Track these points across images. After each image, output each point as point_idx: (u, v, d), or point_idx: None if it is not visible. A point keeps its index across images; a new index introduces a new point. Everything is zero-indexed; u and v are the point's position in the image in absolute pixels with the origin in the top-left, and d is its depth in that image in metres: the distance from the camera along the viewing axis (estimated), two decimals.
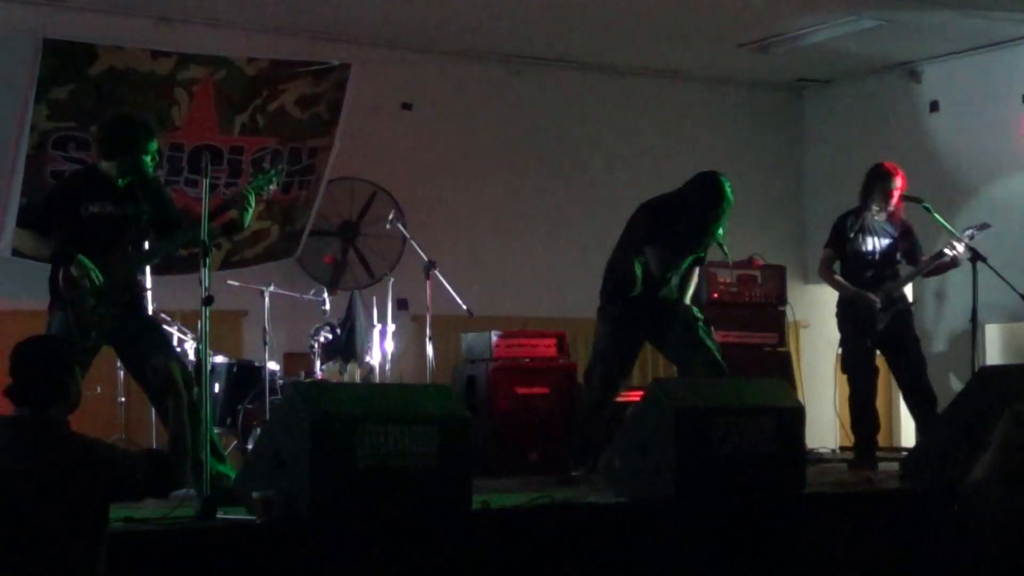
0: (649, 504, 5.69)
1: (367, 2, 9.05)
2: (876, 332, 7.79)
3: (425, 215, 9.77)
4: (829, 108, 11.56)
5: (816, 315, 10.21)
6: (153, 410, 6.73)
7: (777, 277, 9.34)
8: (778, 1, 9.21)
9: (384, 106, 9.94)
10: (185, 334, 7.74)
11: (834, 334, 8.05)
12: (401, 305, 9.29)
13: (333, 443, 4.96)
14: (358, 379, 8.12)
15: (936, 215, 7.90)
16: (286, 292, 8.48)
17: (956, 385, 8.66)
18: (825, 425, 9.46)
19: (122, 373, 7.60)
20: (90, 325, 5.76)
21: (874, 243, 7.88)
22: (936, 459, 6.52)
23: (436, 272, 8.10)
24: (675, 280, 7.07)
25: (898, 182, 7.81)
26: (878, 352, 7.94)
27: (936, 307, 10.39)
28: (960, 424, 6.46)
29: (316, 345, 8.13)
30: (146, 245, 6.06)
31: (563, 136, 10.70)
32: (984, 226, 7.84)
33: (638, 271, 6.96)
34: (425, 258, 8.15)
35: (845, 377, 8.03)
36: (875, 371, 7.95)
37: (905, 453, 7.64)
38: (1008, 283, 7.67)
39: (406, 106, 10.11)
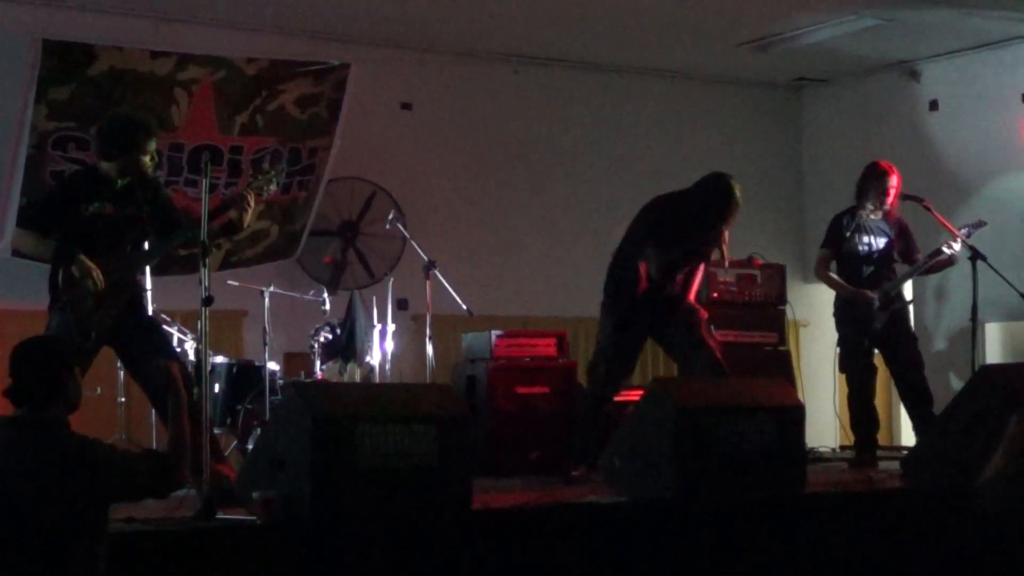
0: (649, 504, 5.69)
1: (367, 2, 9.05)
2: (874, 331, 7.79)
3: (425, 215, 9.77)
4: (829, 107, 11.57)
5: (816, 314, 10.21)
6: (153, 410, 6.72)
7: (777, 276, 9.34)
8: (777, 0, 9.21)
9: (384, 106, 9.94)
10: (185, 334, 7.74)
11: (834, 333, 8.05)
12: (401, 305, 9.30)
13: (333, 443, 4.96)
14: (358, 379, 8.12)
15: (936, 214, 7.90)
16: (286, 292, 8.48)
17: (956, 384, 8.67)
18: (825, 424, 9.45)
19: (122, 373, 7.60)
20: (90, 325, 5.76)
21: (870, 242, 7.88)
22: (936, 459, 6.52)
23: (436, 272, 8.10)
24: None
25: (893, 181, 7.81)
26: (876, 351, 7.94)
27: (936, 305, 10.39)
28: (960, 423, 6.46)
29: (316, 345, 8.13)
30: (146, 245, 6.06)
31: (563, 136, 10.70)
32: (980, 224, 7.84)
33: (641, 268, 6.94)
34: (425, 258, 8.15)
35: (844, 376, 8.04)
36: (874, 370, 7.95)
37: (905, 452, 7.63)
38: (1008, 281, 7.67)
39: (406, 106, 10.12)
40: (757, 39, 10.09)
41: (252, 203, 5.98)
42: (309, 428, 4.93)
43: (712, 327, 7.30)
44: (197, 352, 7.29)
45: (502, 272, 10.23)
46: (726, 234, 6.94)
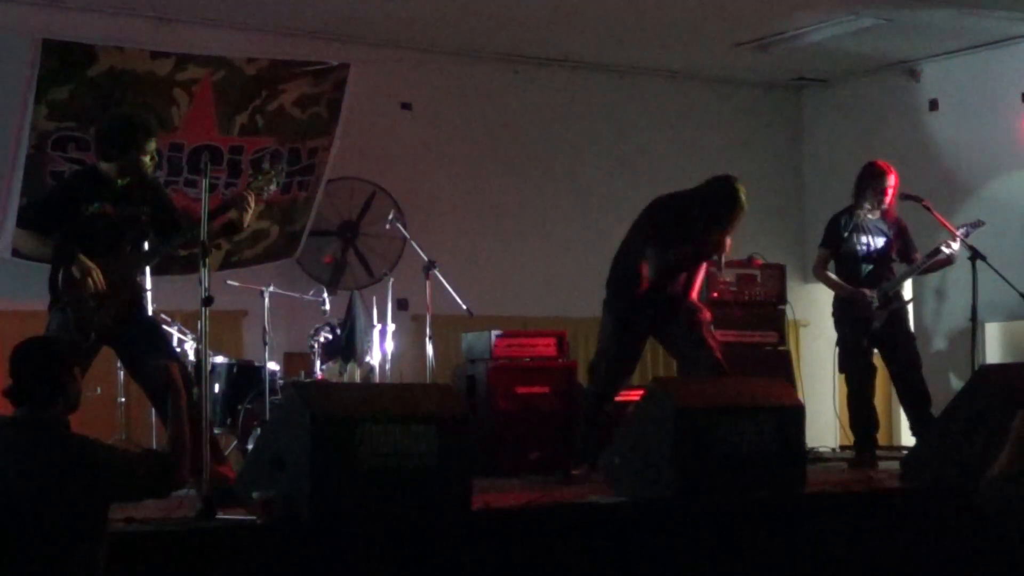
0: (649, 504, 5.69)
1: (367, 2, 9.05)
2: (873, 330, 7.79)
3: (425, 215, 9.77)
4: (828, 107, 11.57)
5: (816, 314, 10.22)
6: (153, 410, 6.72)
7: (777, 276, 9.34)
8: (777, 0, 9.21)
9: (384, 106, 9.94)
10: (185, 334, 7.74)
11: (834, 333, 8.05)
12: (401, 305, 9.29)
13: (333, 443, 4.96)
14: (358, 379, 8.12)
15: (936, 214, 7.90)
16: (286, 292, 8.48)
17: (956, 384, 8.67)
18: (825, 424, 9.46)
19: (122, 373, 7.59)
20: (90, 325, 5.76)
21: (868, 242, 7.87)
22: (936, 459, 6.52)
23: (436, 272, 8.10)
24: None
25: (891, 180, 7.81)
26: (876, 351, 7.94)
27: (936, 305, 10.39)
28: (960, 423, 6.46)
29: (316, 345, 8.12)
30: (146, 245, 6.06)
31: (563, 136, 10.71)
32: (978, 223, 7.84)
33: (643, 268, 6.93)
34: (425, 258, 8.15)
35: (844, 376, 8.04)
36: (873, 370, 7.95)
37: (905, 452, 7.63)
38: (1008, 282, 7.67)
39: (406, 106, 10.12)
40: (757, 39, 10.09)
41: (252, 203, 5.98)
42: (309, 428, 4.93)
43: (712, 327, 7.30)
44: (197, 352, 7.29)
45: (502, 272, 10.23)
46: (728, 241, 6.93)
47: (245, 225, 6.05)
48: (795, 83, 11.55)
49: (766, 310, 9.21)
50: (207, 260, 5.31)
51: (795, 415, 6.16)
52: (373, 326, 8.27)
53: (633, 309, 6.95)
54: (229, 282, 8.17)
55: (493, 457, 7.37)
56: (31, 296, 6.59)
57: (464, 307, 8.19)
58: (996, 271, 7.64)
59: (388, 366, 8.33)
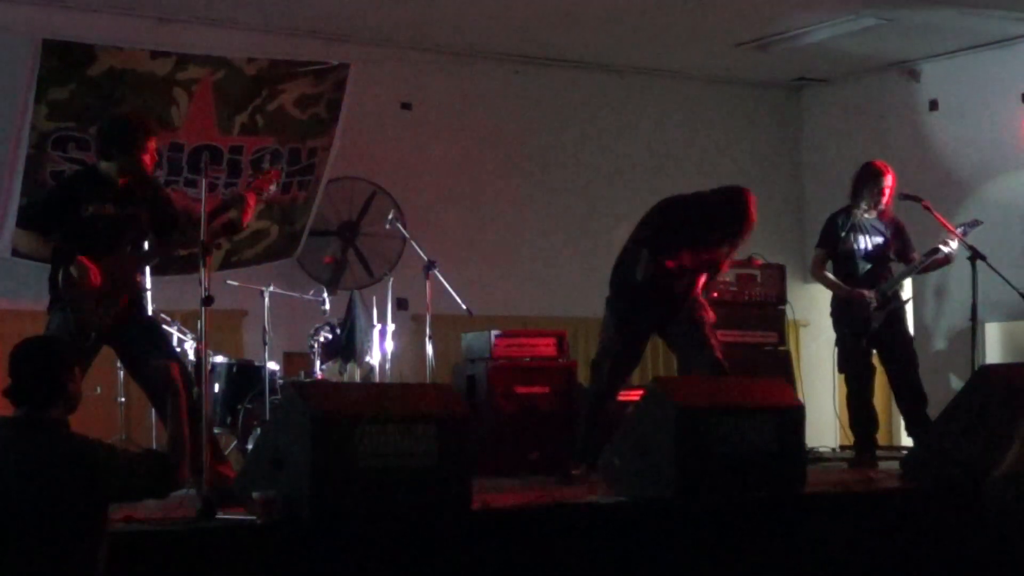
0: (649, 504, 5.69)
1: (367, 2, 9.05)
2: (871, 331, 7.78)
3: (425, 215, 9.77)
4: (828, 107, 11.57)
5: (816, 314, 10.22)
6: (153, 410, 6.72)
7: (777, 276, 9.33)
8: (777, 0, 9.20)
9: (384, 106, 9.94)
10: (185, 334, 7.74)
11: (834, 333, 8.05)
12: (401, 305, 9.29)
13: (333, 443, 4.96)
14: (358, 379, 8.12)
15: (936, 214, 7.90)
16: (286, 292, 8.48)
17: (956, 384, 8.66)
18: (825, 424, 9.46)
19: (122, 373, 7.59)
20: (90, 325, 5.76)
21: (866, 241, 7.87)
22: (936, 459, 6.52)
23: (436, 272, 8.10)
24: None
25: (889, 180, 7.81)
26: (874, 351, 7.94)
27: (936, 305, 10.39)
28: (960, 423, 6.46)
29: (316, 345, 8.12)
30: (146, 245, 6.06)
31: (563, 136, 10.70)
32: (975, 223, 7.84)
33: (645, 268, 6.90)
34: (425, 258, 8.15)
35: (843, 376, 8.03)
36: (872, 370, 7.95)
37: (905, 452, 7.63)
38: (1008, 282, 7.67)
39: (406, 106, 10.11)
40: (757, 39, 10.09)
41: (252, 203, 5.99)
42: (309, 428, 4.93)
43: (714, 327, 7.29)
44: (197, 352, 7.29)
45: (502, 272, 10.23)
46: (734, 253, 6.91)
47: (245, 225, 6.05)
48: (795, 83, 11.55)
49: (766, 310, 9.21)
50: (207, 260, 5.31)
51: (795, 415, 6.17)
52: (373, 326, 8.27)
53: (634, 308, 6.93)
54: (229, 282, 8.18)
55: (493, 457, 7.36)
56: (31, 296, 6.60)
57: (464, 307, 8.18)
58: (996, 271, 7.64)
59: (388, 366, 8.33)
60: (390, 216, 8.65)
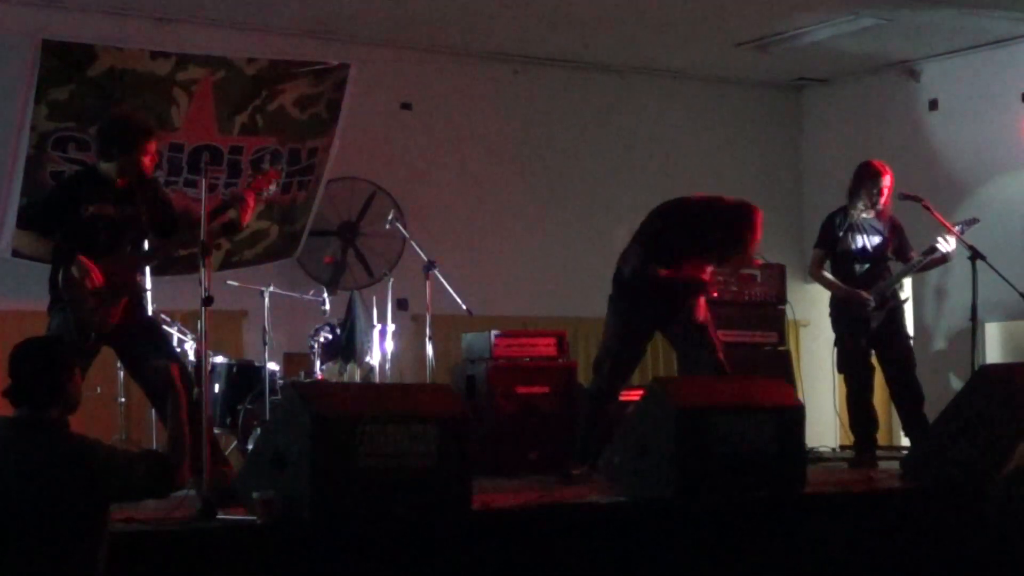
0: (649, 504, 5.69)
1: (367, 2, 9.05)
2: (870, 330, 7.78)
3: (425, 215, 9.78)
4: (828, 107, 11.57)
5: (816, 314, 10.21)
6: (153, 410, 6.73)
7: (777, 276, 9.33)
8: (777, 0, 9.20)
9: (384, 106, 9.94)
10: (185, 334, 7.74)
11: (833, 333, 8.05)
12: (401, 305, 9.29)
13: (333, 443, 4.96)
14: (358, 379, 8.12)
15: (936, 215, 7.89)
16: (286, 292, 8.48)
17: (956, 384, 8.67)
18: (825, 424, 9.46)
19: (122, 373, 7.60)
20: (90, 325, 5.76)
21: (864, 241, 7.86)
22: (936, 459, 6.52)
23: (436, 272, 8.10)
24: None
25: (887, 180, 7.80)
26: (873, 350, 7.94)
27: (936, 305, 10.39)
28: (960, 423, 6.46)
29: (316, 345, 8.13)
30: (145, 246, 6.06)
31: (563, 136, 10.70)
32: (973, 221, 7.83)
33: (646, 268, 6.89)
34: (425, 258, 8.15)
35: (843, 376, 8.03)
36: (871, 370, 7.93)
37: (905, 452, 7.63)
38: (1008, 281, 7.67)
39: (406, 106, 10.12)
40: (757, 39, 10.09)
41: (251, 203, 5.99)
42: (309, 428, 4.93)
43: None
44: (197, 352, 7.29)
45: (502, 272, 10.23)
46: (731, 265, 6.90)
47: (244, 225, 6.05)
48: (795, 83, 11.55)
49: (766, 310, 9.20)
50: (206, 260, 5.31)
51: (795, 415, 6.16)
52: (373, 326, 8.27)
53: (636, 308, 6.93)
54: (229, 282, 8.18)
55: (493, 457, 7.36)
56: (31, 296, 6.58)
57: (464, 307, 8.19)
58: (996, 271, 7.64)
59: (388, 366, 8.33)
60: (390, 216, 8.65)
